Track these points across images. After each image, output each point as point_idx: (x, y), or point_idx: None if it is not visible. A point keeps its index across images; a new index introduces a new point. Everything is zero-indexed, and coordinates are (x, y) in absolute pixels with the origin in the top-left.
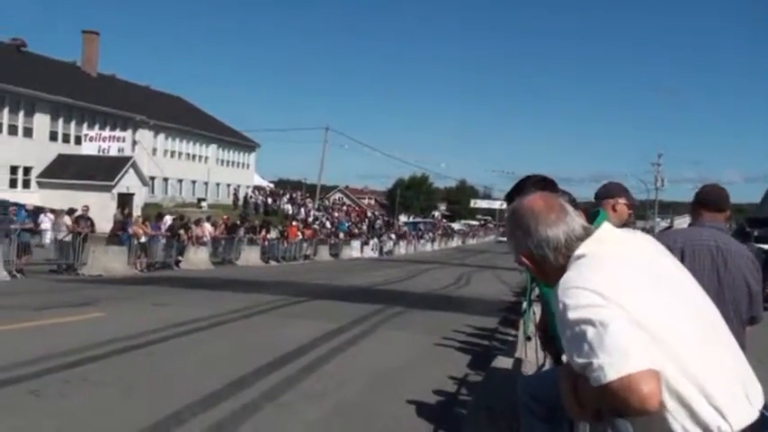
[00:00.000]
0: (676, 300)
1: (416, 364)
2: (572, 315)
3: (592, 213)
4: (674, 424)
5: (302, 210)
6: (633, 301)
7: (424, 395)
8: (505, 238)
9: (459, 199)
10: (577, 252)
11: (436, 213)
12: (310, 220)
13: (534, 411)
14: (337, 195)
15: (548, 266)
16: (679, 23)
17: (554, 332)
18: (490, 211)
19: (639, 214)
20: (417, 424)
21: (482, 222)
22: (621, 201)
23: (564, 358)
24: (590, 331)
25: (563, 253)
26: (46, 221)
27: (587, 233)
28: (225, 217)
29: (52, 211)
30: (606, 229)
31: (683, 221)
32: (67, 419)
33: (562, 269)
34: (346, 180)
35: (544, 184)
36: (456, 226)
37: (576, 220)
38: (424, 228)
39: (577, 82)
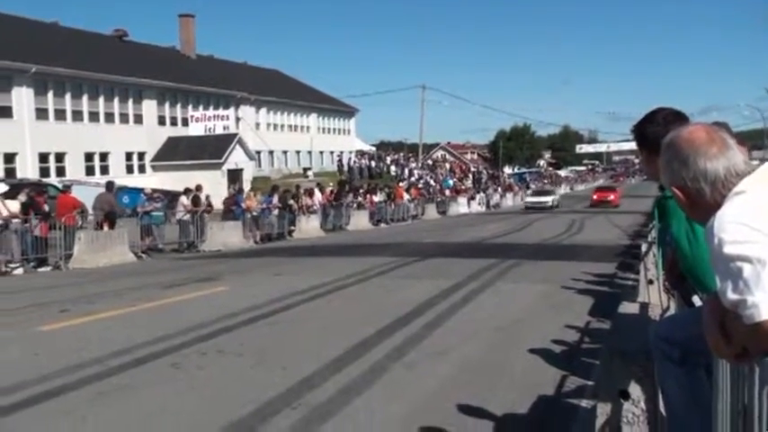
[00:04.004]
0: None
1: (535, 315)
2: (728, 250)
3: None
4: None
5: (406, 170)
6: None
7: (546, 345)
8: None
9: (563, 145)
10: (737, 188)
11: (541, 162)
12: (414, 179)
13: (669, 355)
14: (439, 153)
15: (702, 202)
16: None
17: (685, 272)
18: (597, 155)
19: (756, 144)
20: (545, 374)
21: (589, 167)
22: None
23: (695, 299)
24: (747, 268)
25: (720, 189)
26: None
27: (749, 170)
28: (331, 186)
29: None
30: None
31: None
32: (207, 389)
33: (717, 208)
34: (447, 136)
35: (675, 118)
36: (563, 173)
37: (738, 156)
38: (530, 178)
39: (678, 7)
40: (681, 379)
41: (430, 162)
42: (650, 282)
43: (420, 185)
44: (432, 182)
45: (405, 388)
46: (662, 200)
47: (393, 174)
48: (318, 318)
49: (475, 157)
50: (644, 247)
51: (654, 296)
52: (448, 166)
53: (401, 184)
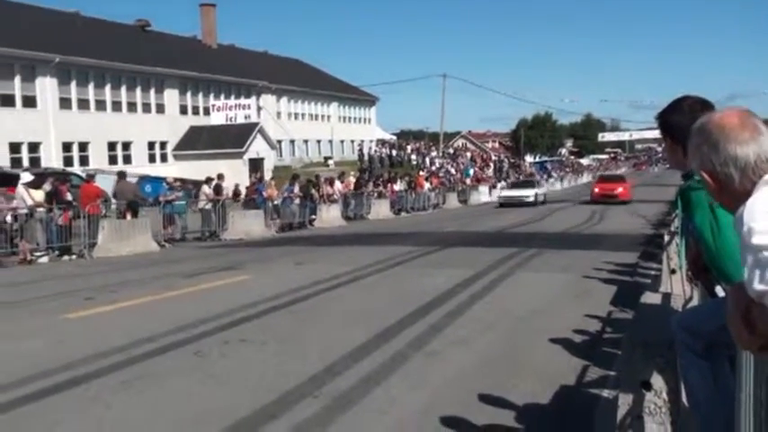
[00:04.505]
0: None
1: (557, 304)
2: (758, 240)
3: None
4: None
5: (426, 159)
6: None
7: (568, 335)
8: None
9: (585, 134)
10: None
11: (563, 150)
12: (435, 168)
13: (691, 347)
14: (460, 141)
15: (730, 188)
16: None
17: (708, 264)
18: (619, 144)
19: None
20: (566, 364)
21: (612, 155)
22: None
23: (718, 290)
24: None
25: (749, 176)
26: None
27: None
28: (353, 175)
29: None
30: None
31: None
32: (230, 377)
33: (746, 195)
34: (468, 125)
35: (701, 107)
36: (585, 161)
37: None
38: (552, 166)
39: None
40: (704, 371)
41: (451, 151)
42: (673, 271)
43: (441, 174)
44: (453, 171)
45: (426, 377)
46: (685, 191)
47: (414, 163)
48: (340, 307)
49: (496, 145)
50: (666, 237)
51: (677, 286)
52: (469, 154)
53: (422, 173)
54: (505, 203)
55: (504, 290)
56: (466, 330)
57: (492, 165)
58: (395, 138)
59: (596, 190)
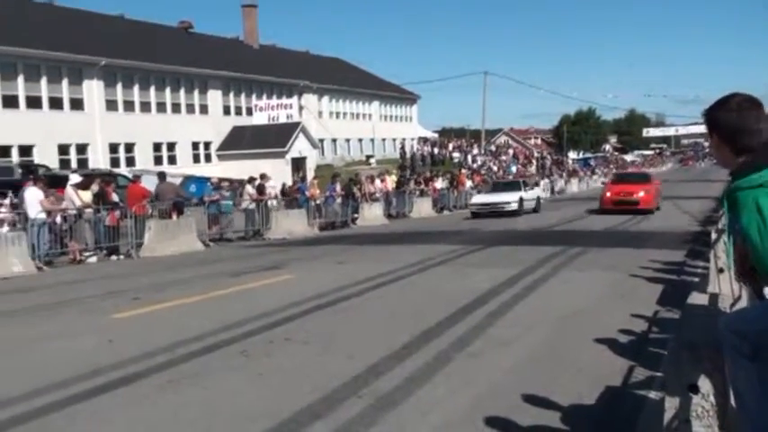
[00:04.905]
0: None
1: (602, 303)
2: None
3: None
4: None
5: (468, 157)
6: None
7: (614, 335)
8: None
9: (630, 129)
10: None
11: (607, 146)
12: (477, 165)
13: (739, 349)
14: (502, 138)
15: None
16: None
17: (755, 265)
18: (665, 139)
19: None
20: (612, 364)
21: (657, 151)
22: None
23: (767, 292)
24: None
25: None
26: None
27: None
28: (395, 173)
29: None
30: None
31: None
32: (275, 376)
33: None
34: (510, 122)
35: (750, 104)
36: (629, 157)
37: None
38: (596, 163)
39: None
40: (752, 373)
41: (493, 148)
42: (720, 271)
43: (483, 172)
44: (495, 168)
45: (469, 378)
46: (732, 191)
47: (455, 160)
48: (382, 306)
49: (539, 142)
50: (714, 235)
51: (725, 286)
52: (511, 152)
53: (463, 170)
54: (479, 213)
55: (547, 289)
56: (509, 330)
57: (535, 161)
58: (436, 135)
59: (608, 194)
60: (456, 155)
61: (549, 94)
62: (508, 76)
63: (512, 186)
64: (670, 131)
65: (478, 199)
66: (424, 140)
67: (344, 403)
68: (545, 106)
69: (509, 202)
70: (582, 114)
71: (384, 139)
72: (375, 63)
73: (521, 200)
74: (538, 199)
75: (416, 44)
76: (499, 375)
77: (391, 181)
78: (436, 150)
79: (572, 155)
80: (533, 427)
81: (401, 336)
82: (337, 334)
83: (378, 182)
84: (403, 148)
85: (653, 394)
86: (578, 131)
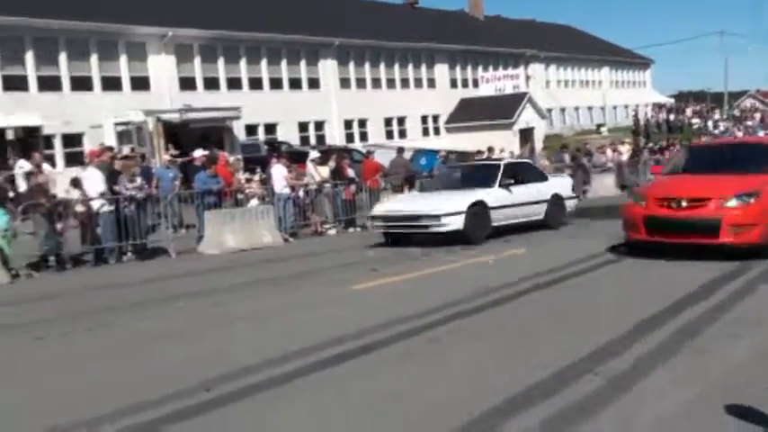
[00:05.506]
0: None
1: None
2: None
3: None
4: None
5: (709, 123)
6: None
7: None
8: None
9: None
10: None
11: None
12: (719, 132)
13: None
14: (748, 102)
15: None
16: None
17: None
18: None
19: None
20: None
21: None
22: None
23: None
24: None
25: None
26: None
27: None
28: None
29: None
30: None
31: None
32: (510, 348)
33: None
34: (756, 83)
35: None
36: None
37: None
38: None
39: None
40: None
41: (737, 112)
42: None
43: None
44: (740, 134)
45: (691, 374)
46: None
47: (695, 127)
48: (612, 286)
49: None
50: None
51: None
52: (758, 115)
53: (704, 137)
54: (392, 232)
55: None
56: (739, 323)
57: None
58: (672, 101)
59: (641, 205)
60: (695, 121)
61: None
62: (748, 36)
63: (474, 178)
64: None
65: (384, 208)
66: (659, 106)
67: (578, 381)
68: None
69: (437, 217)
70: None
71: (615, 107)
72: (605, 28)
73: (475, 209)
74: (552, 200)
75: (648, 6)
76: (725, 371)
77: (625, 150)
78: (672, 117)
79: None
80: None
81: (625, 319)
82: (567, 311)
83: (609, 151)
84: (636, 115)
85: None
86: None
